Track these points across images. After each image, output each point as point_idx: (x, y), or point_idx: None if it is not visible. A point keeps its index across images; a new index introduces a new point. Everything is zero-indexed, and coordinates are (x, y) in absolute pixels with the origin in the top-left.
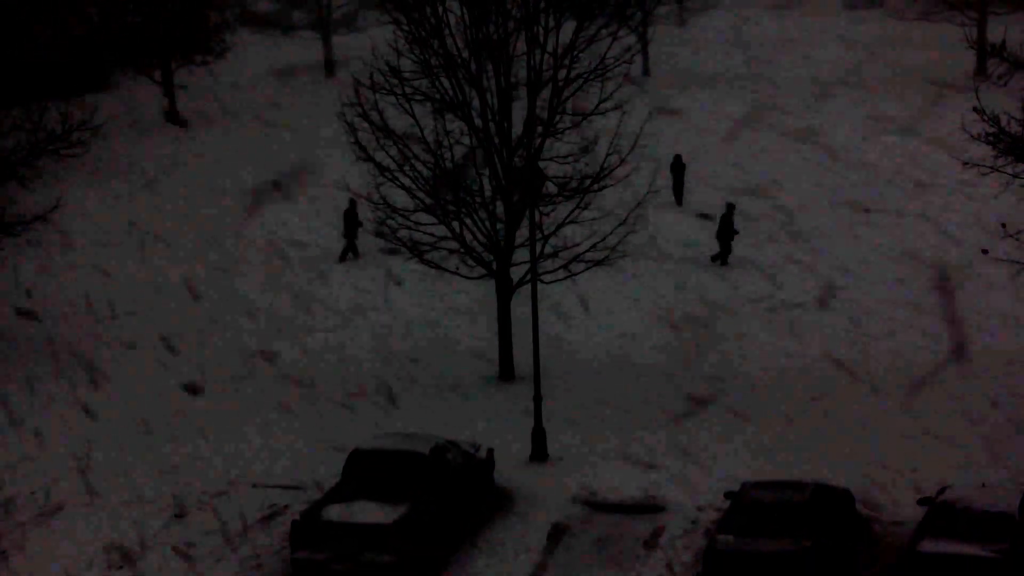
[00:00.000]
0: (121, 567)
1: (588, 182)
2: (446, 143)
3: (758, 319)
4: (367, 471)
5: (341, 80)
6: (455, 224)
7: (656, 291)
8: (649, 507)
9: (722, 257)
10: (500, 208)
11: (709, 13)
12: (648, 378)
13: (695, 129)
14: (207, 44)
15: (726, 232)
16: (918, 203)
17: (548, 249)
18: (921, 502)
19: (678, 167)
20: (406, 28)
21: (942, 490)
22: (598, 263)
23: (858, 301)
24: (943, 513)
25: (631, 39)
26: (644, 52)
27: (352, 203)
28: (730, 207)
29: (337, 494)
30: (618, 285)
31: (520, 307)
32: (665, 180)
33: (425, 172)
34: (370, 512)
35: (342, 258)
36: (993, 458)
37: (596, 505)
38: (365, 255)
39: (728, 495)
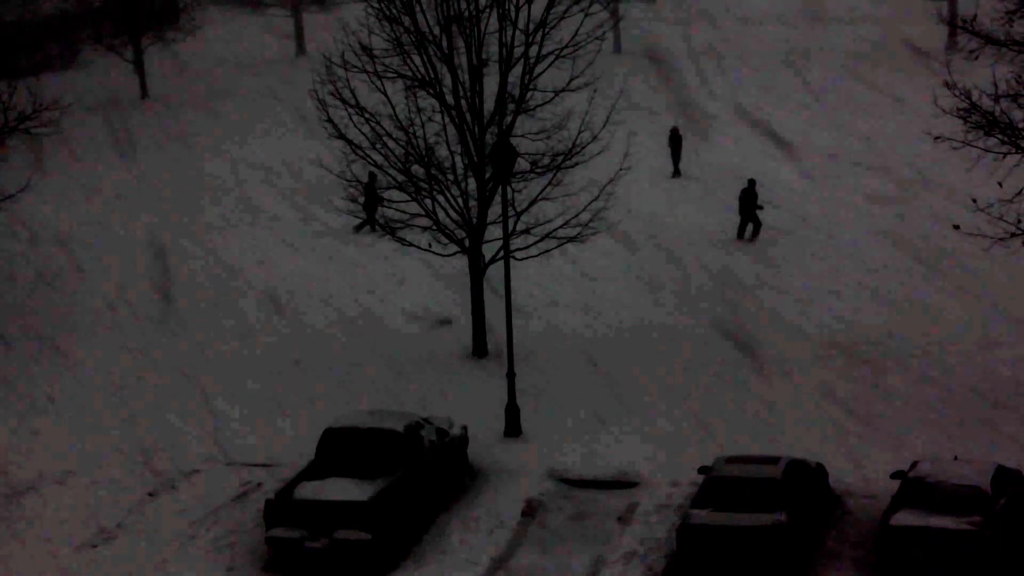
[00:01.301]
0: (95, 546)
1: (560, 159)
2: (418, 121)
3: (736, 294)
4: (341, 449)
5: (312, 58)
6: (427, 201)
7: (631, 265)
8: (623, 482)
9: (752, 232)
10: (472, 185)
11: None
12: (621, 353)
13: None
14: (177, 22)
15: (750, 207)
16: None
17: (520, 226)
18: (894, 476)
19: (675, 139)
20: (376, 5)
21: (914, 464)
22: (571, 239)
23: (836, 274)
24: (915, 487)
25: (603, 15)
26: (616, 29)
27: (372, 176)
28: (751, 182)
29: (311, 472)
30: (589, 259)
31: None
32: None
33: (397, 150)
34: (344, 489)
35: (358, 228)
36: (962, 433)
37: (570, 481)
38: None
39: (702, 470)
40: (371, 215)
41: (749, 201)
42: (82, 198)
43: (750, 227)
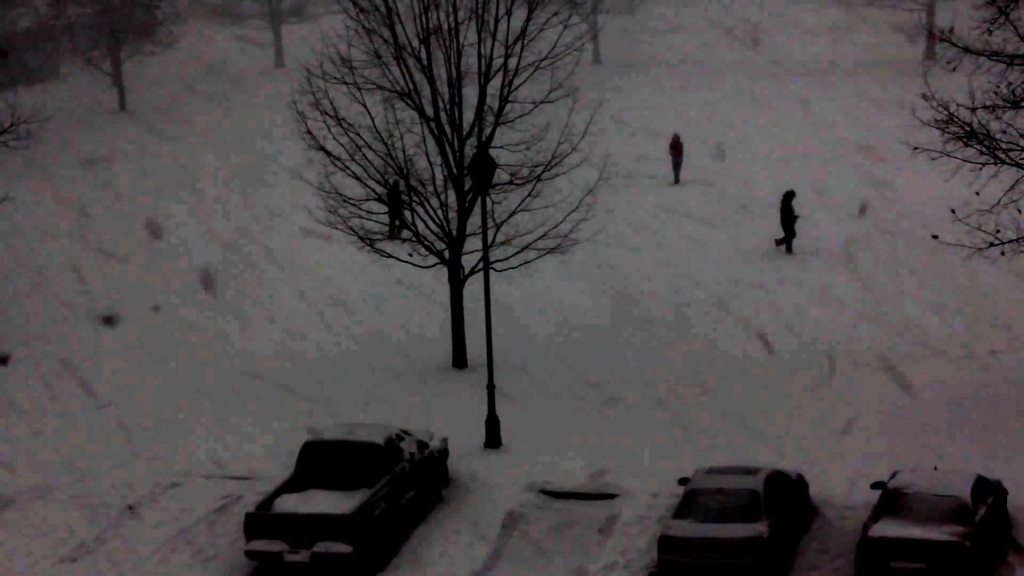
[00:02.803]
0: (74, 560)
1: (540, 170)
2: (397, 132)
3: (714, 304)
4: (321, 462)
5: (290, 70)
6: (407, 213)
7: (611, 276)
8: (603, 494)
9: (786, 243)
10: (452, 197)
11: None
12: (602, 365)
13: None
14: (155, 34)
15: (788, 218)
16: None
17: (500, 237)
18: (874, 486)
19: (677, 146)
20: (356, 18)
21: (894, 474)
22: (550, 251)
23: (806, 286)
24: (895, 497)
25: (582, 27)
26: (595, 40)
27: (396, 182)
28: (788, 194)
29: (291, 485)
30: (571, 271)
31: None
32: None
33: (376, 161)
34: (325, 503)
35: (390, 236)
36: (938, 443)
37: (550, 492)
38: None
39: (682, 481)
40: (397, 219)
41: (787, 213)
42: (63, 208)
43: (782, 237)
